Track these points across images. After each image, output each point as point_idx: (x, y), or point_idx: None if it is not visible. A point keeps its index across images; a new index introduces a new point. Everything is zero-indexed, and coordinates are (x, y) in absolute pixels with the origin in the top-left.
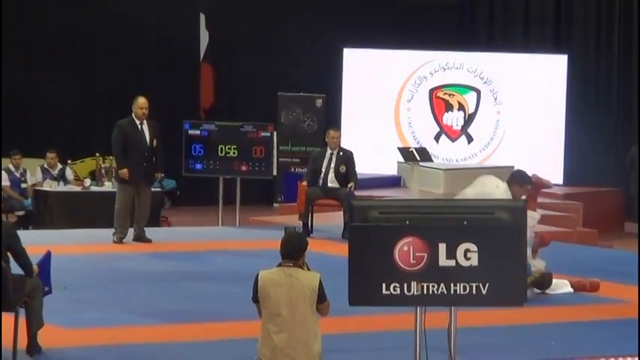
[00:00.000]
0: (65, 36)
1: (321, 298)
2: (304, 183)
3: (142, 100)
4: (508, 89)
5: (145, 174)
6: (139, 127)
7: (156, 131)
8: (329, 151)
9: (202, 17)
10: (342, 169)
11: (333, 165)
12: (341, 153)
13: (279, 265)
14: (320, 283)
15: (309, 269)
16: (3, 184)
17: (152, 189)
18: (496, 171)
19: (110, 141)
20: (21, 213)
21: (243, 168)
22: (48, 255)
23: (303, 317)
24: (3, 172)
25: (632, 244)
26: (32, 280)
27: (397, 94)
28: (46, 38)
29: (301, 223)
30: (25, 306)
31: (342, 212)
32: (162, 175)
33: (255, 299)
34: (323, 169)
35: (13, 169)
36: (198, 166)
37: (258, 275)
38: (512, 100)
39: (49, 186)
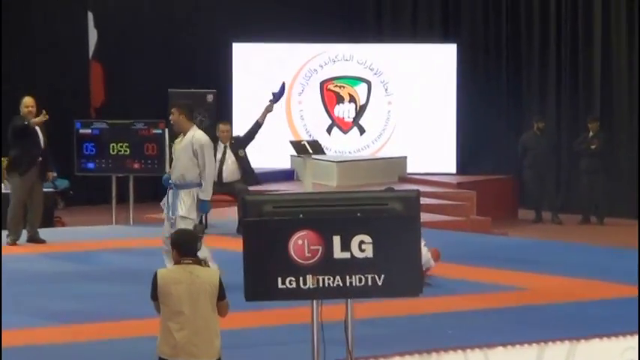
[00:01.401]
0: None
1: (221, 295)
2: None
3: (27, 99)
4: (399, 80)
5: (38, 173)
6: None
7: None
8: (221, 145)
9: (90, 16)
10: (241, 152)
11: (228, 158)
12: (232, 141)
13: (178, 262)
14: (220, 279)
15: (208, 266)
16: None
17: (44, 189)
18: (389, 162)
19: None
20: None
21: (136, 166)
22: None
23: (204, 314)
24: None
25: (525, 231)
26: None
27: (288, 88)
28: None
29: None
30: None
31: (236, 207)
32: (55, 174)
33: (155, 297)
34: (217, 164)
35: None
36: (91, 165)
37: (156, 273)
38: (403, 90)
39: None
